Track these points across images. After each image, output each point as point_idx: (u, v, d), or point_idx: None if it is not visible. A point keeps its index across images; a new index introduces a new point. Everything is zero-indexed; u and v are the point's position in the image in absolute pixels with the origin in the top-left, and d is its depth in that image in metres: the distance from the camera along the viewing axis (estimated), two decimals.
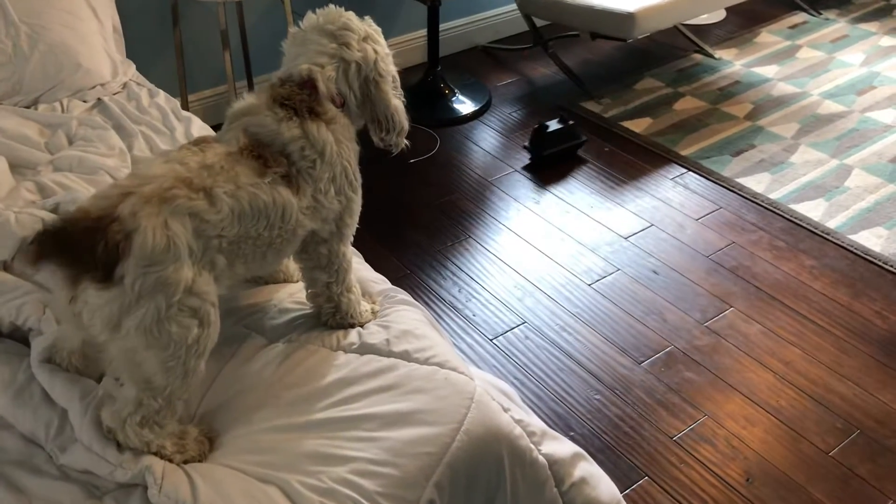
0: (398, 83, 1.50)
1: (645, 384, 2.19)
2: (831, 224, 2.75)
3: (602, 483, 1.45)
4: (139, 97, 2.10)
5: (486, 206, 2.86)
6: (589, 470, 1.43)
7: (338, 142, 1.38)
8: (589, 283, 2.53)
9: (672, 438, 2.04)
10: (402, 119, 1.49)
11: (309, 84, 1.37)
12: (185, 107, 2.99)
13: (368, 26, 1.47)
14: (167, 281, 1.16)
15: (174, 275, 1.16)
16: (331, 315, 1.45)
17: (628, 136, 3.23)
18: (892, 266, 2.58)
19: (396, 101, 1.47)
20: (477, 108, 3.41)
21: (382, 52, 1.45)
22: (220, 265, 1.24)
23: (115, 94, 2.12)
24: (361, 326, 1.45)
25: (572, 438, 2.03)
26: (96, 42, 2.18)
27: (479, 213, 2.83)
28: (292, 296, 1.52)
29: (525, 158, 3.12)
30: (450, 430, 1.23)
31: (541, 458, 1.33)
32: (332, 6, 1.48)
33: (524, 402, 2.09)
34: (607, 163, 3.10)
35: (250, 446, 1.20)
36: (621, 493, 1.89)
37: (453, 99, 3.47)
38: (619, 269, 2.58)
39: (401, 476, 1.17)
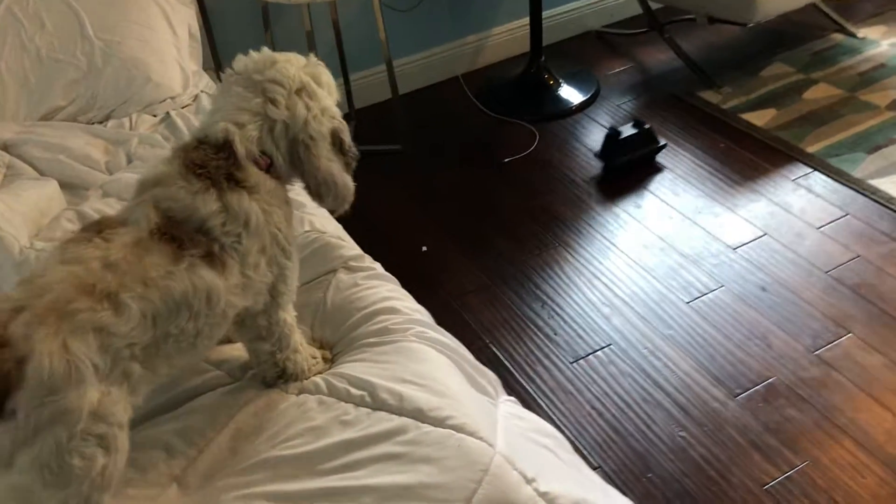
0: (344, 139, 1.33)
1: (739, 421, 1.96)
2: None
3: None
4: (206, 110, 2.07)
5: (581, 211, 2.68)
6: None
7: (264, 211, 1.23)
8: (687, 300, 2.30)
9: (763, 488, 1.82)
10: (341, 185, 1.32)
11: (227, 147, 1.23)
12: None
13: (309, 71, 1.31)
14: (68, 409, 1.01)
15: (76, 402, 1.02)
16: (276, 378, 1.34)
17: (748, 129, 2.93)
18: None
19: (331, 165, 1.30)
20: (583, 99, 3.21)
21: (317, 107, 1.29)
22: (135, 373, 1.12)
23: (184, 107, 2.11)
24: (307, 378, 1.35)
25: (649, 481, 1.85)
26: (169, 53, 2.18)
27: (573, 219, 2.65)
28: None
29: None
30: None
31: None
32: (265, 49, 1.32)
33: (598, 438, 1.94)
34: (721, 161, 2.82)
35: None
36: None
37: (558, 91, 3.27)
38: (722, 286, 2.34)
39: None
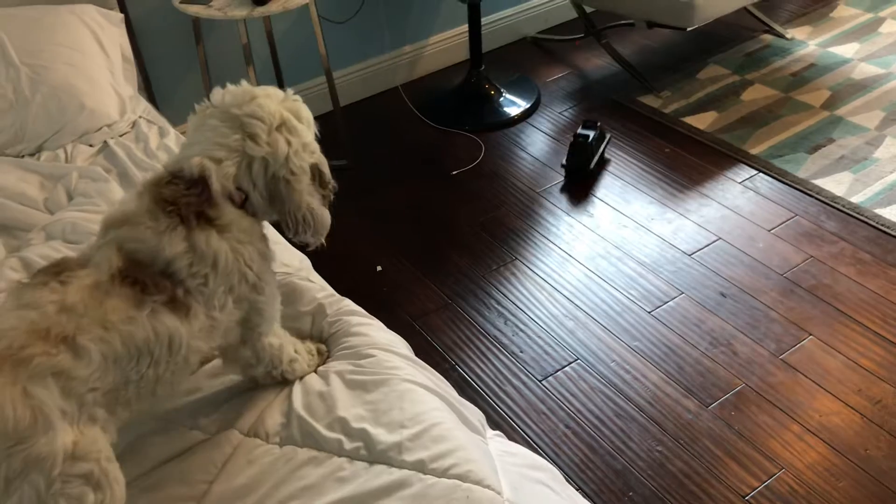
0: (324, 172, 1.29)
1: (713, 432, 1.96)
2: None
3: None
4: (147, 138, 1.95)
5: (534, 223, 2.64)
6: None
7: (234, 249, 1.18)
8: (649, 310, 2.29)
9: (744, 498, 1.82)
10: (320, 220, 1.28)
11: (201, 183, 1.17)
12: None
13: (288, 106, 1.26)
14: (40, 456, 0.97)
15: (47, 447, 0.98)
16: (271, 381, 1.35)
17: (691, 133, 2.95)
18: None
19: (312, 200, 1.26)
20: (525, 107, 3.18)
21: (298, 143, 1.24)
22: (101, 418, 1.06)
23: (122, 134, 1.97)
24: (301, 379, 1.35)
25: (631, 500, 1.83)
26: (102, 78, 2.04)
27: (528, 231, 2.61)
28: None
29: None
30: None
31: None
32: (244, 83, 1.26)
33: (575, 460, 1.91)
34: (668, 165, 2.83)
35: None
36: None
37: (500, 100, 3.24)
38: (682, 293, 2.34)
39: None
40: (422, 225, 2.68)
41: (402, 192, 2.81)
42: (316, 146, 1.29)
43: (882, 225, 2.47)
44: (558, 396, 2.07)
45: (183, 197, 1.16)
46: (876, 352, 2.11)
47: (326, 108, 3.01)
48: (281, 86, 2.95)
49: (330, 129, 3.15)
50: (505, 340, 2.24)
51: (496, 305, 2.35)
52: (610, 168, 2.84)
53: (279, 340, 1.33)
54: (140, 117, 2.05)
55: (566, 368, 2.15)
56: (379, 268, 2.49)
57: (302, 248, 1.48)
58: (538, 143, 3.02)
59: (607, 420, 2.01)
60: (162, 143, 1.94)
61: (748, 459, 1.89)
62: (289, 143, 1.21)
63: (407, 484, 1.13)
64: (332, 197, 1.32)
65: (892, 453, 1.88)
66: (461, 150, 2.99)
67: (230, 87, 1.26)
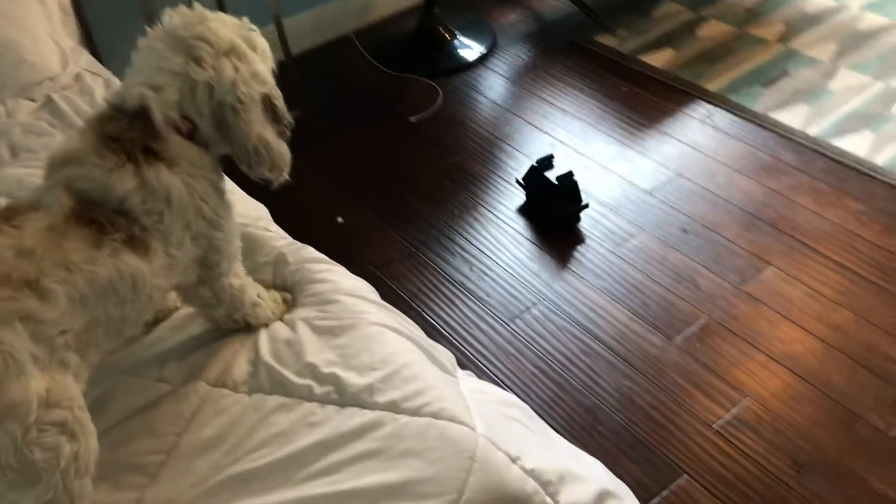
0: (277, 105, 1.25)
1: (679, 365, 1.98)
2: (879, 160, 2.47)
3: None
4: (93, 90, 1.88)
5: (495, 167, 2.62)
6: None
7: (187, 184, 1.15)
8: (612, 248, 2.30)
9: (712, 427, 1.85)
10: (275, 153, 1.23)
11: (143, 115, 1.13)
12: None
13: (242, 34, 1.22)
14: (14, 402, 0.95)
15: (21, 393, 0.95)
16: (234, 328, 1.32)
17: (648, 71, 2.93)
18: None
19: (263, 131, 1.21)
20: (482, 51, 3.13)
21: (248, 70, 1.19)
22: (73, 363, 1.04)
23: (65, 88, 1.90)
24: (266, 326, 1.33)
25: (601, 434, 1.84)
26: (41, 30, 1.95)
27: (489, 175, 2.59)
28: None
29: (537, 106, 2.85)
30: (449, 502, 1.04)
31: None
32: (197, 5, 1.21)
33: (545, 398, 1.92)
34: (626, 105, 2.82)
35: None
36: (657, 495, 1.73)
37: (455, 43, 3.18)
38: (644, 231, 2.34)
39: None
40: (381, 173, 2.64)
41: (359, 140, 2.76)
42: (269, 77, 1.25)
43: (838, 156, 2.50)
44: (526, 338, 2.08)
45: (126, 132, 1.12)
46: (835, 280, 2.15)
47: (277, 57, 2.89)
48: None
49: (282, 79, 3.07)
50: (471, 285, 2.23)
51: (460, 251, 2.34)
52: (569, 109, 2.82)
53: (240, 282, 1.30)
54: (84, 69, 1.97)
55: (533, 310, 2.15)
56: (339, 219, 2.46)
57: (266, 188, 1.44)
58: (496, 87, 2.98)
59: (575, 358, 2.02)
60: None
61: (714, 389, 1.92)
62: (236, 70, 1.16)
63: (380, 424, 1.12)
64: (288, 132, 1.28)
65: (853, 377, 1.92)
66: (418, 97, 2.94)
67: (183, 8, 1.20)
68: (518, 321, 2.12)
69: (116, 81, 1.95)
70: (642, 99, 2.84)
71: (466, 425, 1.13)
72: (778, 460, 1.77)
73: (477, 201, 2.49)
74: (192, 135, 1.18)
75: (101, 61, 2.30)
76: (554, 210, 2.38)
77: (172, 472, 1.13)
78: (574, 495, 1.18)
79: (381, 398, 1.15)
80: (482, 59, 3.11)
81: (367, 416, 1.13)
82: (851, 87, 2.75)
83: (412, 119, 2.83)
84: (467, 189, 2.54)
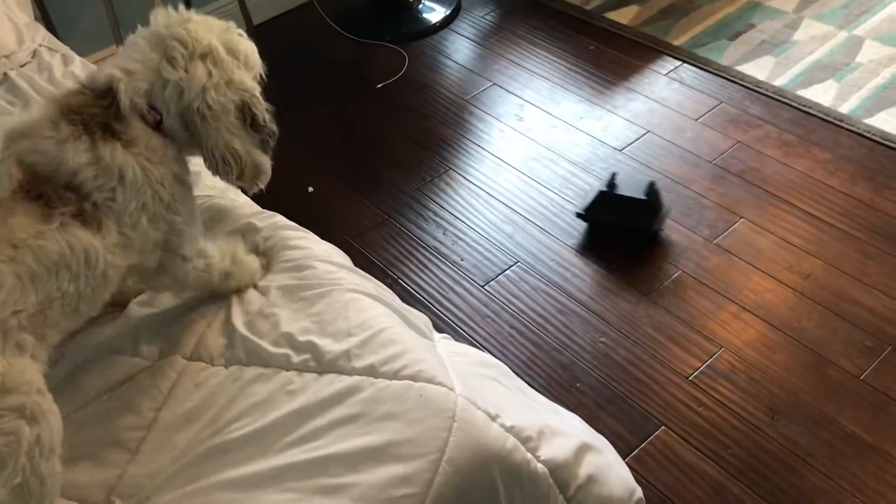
0: (257, 113, 1.21)
1: (654, 319, 2.00)
2: (844, 108, 2.49)
3: (611, 474, 1.28)
4: (51, 67, 1.83)
5: (465, 131, 2.61)
6: (596, 463, 1.26)
7: (143, 167, 1.13)
8: (583, 207, 2.30)
9: (688, 379, 1.87)
10: (251, 164, 1.21)
11: (110, 94, 1.12)
12: None
13: (224, 38, 1.19)
14: None
15: None
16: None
17: (614, 28, 2.92)
18: None
19: (233, 140, 1.18)
20: (446, 14, 3.10)
21: (222, 77, 1.17)
22: (29, 345, 1.02)
23: (23, 65, 1.85)
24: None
25: (579, 391, 1.87)
26: None
27: (459, 140, 2.58)
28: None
29: (505, 67, 2.84)
30: (430, 462, 1.05)
31: (540, 467, 1.16)
32: (181, 8, 1.20)
33: (522, 358, 1.93)
34: (594, 63, 2.81)
35: None
36: (636, 447, 1.76)
37: (419, 7, 3.15)
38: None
39: None
40: (350, 142, 2.62)
41: (327, 109, 2.73)
42: (248, 84, 1.21)
43: (804, 106, 2.52)
44: (501, 300, 2.09)
45: (89, 108, 1.11)
46: (805, 229, 2.17)
47: (239, 27, 2.88)
48: (188, 6, 2.82)
49: None
50: (445, 250, 2.23)
51: (433, 217, 2.33)
52: (536, 69, 2.81)
53: (206, 261, 1.28)
54: (41, 45, 1.92)
55: (507, 272, 2.16)
56: (310, 188, 2.44)
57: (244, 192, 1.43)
58: (463, 50, 2.96)
59: (551, 317, 2.03)
60: (67, 72, 1.83)
61: (689, 342, 1.95)
62: (210, 75, 1.15)
63: (358, 389, 1.12)
64: (270, 142, 1.25)
65: (823, 322, 1.95)
66: (384, 63, 2.91)
67: (171, 10, 1.19)
68: (493, 283, 2.13)
69: (75, 56, 1.91)
70: (609, 57, 2.83)
71: (445, 386, 1.13)
72: (753, 408, 1.80)
73: (448, 166, 2.49)
74: (157, 125, 1.17)
75: (57, 37, 2.25)
76: (646, 226, 2.15)
77: (153, 447, 1.13)
78: (554, 450, 1.20)
79: (358, 363, 1.15)
80: (447, 22, 3.08)
81: (346, 381, 1.13)
82: (816, 37, 2.76)
83: (379, 86, 2.80)
84: (438, 154, 2.53)
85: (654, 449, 1.76)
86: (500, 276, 2.14)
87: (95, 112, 1.11)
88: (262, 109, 1.23)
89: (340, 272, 1.33)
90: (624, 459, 1.69)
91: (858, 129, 2.42)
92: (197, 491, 1.04)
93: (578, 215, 2.22)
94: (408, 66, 2.88)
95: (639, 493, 1.36)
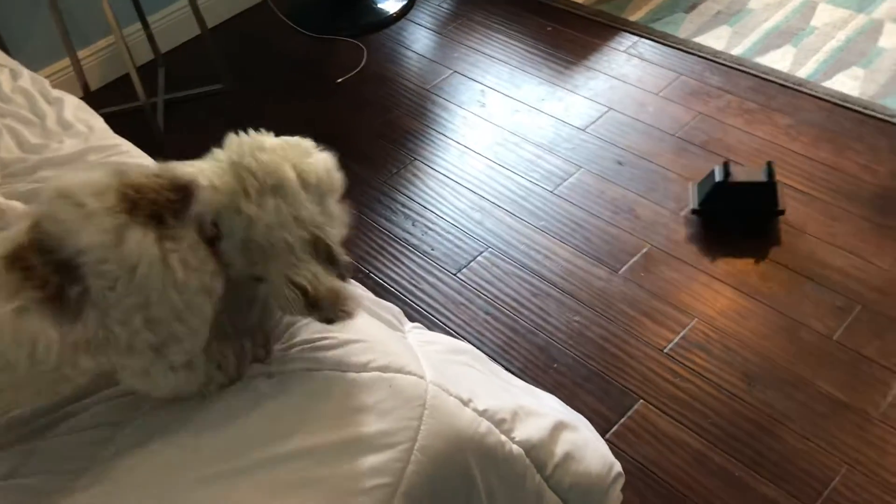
0: (332, 248, 1.07)
1: (626, 295, 2.01)
2: (802, 73, 2.51)
3: (588, 451, 1.29)
4: None
5: (429, 121, 2.60)
6: (572, 440, 1.26)
7: (165, 263, 0.96)
8: (551, 189, 2.31)
9: (663, 351, 1.88)
10: (310, 293, 1.04)
11: (185, 191, 0.98)
12: (78, 68, 2.67)
13: (298, 165, 1.10)
14: None
15: None
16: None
17: (570, 8, 2.93)
18: (872, 111, 2.36)
19: (294, 275, 1.03)
20: (402, 4, 3.09)
21: (290, 214, 1.03)
22: None
23: None
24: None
25: (556, 371, 1.87)
26: None
27: (423, 130, 2.57)
28: None
29: (464, 55, 2.83)
30: (401, 451, 1.04)
31: (515, 448, 1.16)
32: (252, 133, 1.11)
33: (498, 343, 1.93)
34: (552, 44, 2.81)
35: None
36: (616, 422, 1.76)
37: None
38: (581, 168, 2.36)
39: None
40: (315, 139, 2.59)
41: (289, 108, 2.71)
42: (317, 219, 1.08)
43: (763, 73, 2.53)
44: (474, 286, 2.09)
45: (154, 192, 0.97)
46: None
47: (193, 32, 2.86)
48: (142, 16, 2.79)
49: (199, 54, 3.01)
50: (415, 241, 2.23)
51: (402, 208, 2.33)
52: (496, 55, 2.80)
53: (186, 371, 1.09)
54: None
55: (478, 258, 2.15)
56: None
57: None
58: (422, 40, 2.95)
59: (524, 301, 2.03)
60: (17, 86, 1.79)
61: (662, 315, 1.96)
62: (278, 211, 1.03)
63: (328, 384, 1.11)
64: (347, 276, 1.12)
65: (794, 286, 1.97)
66: (343, 57, 2.90)
67: (243, 135, 1.10)
68: (465, 271, 2.13)
69: (24, 70, 1.88)
70: (567, 37, 2.83)
71: (415, 375, 1.13)
72: (729, 376, 1.82)
73: (414, 157, 2.48)
74: (212, 241, 1.03)
75: (7, 53, 2.21)
76: (766, 210, 2.11)
77: (117, 472, 1.10)
78: (528, 430, 1.20)
79: (327, 361, 1.14)
80: (404, 13, 3.06)
81: (315, 376, 1.13)
82: (770, 4, 2.78)
83: (339, 80, 2.79)
84: (403, 146, 2.53)
85: (634, 423, 1.77)
86: (471, 263, 2.14)
87: (157, 199, 0.97)
88: (337, 243, 1.10)
89: None
90: (604, 435, 1.71)
91: (817, 92, 2.44)
92: (168, 487, 1.03)
93: (694, 211, 2.15)
94: (367, 59, 2.87)
95: (617, 467, 1.36)
